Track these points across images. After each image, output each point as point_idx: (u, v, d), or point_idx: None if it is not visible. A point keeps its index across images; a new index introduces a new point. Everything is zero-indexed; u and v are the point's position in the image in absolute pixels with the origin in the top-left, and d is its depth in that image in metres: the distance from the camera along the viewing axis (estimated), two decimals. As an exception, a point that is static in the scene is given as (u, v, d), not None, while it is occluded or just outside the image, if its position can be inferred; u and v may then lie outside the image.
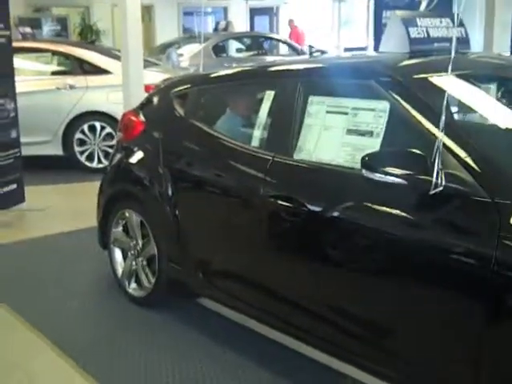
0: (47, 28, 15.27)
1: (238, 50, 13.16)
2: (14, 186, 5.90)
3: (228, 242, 3.40)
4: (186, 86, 3.97)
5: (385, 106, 2.75)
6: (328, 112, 2.99)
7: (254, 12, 20.30)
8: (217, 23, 16.12)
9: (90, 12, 16.33)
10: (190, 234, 3.60)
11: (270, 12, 20.71)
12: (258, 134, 3.35)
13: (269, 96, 3.30)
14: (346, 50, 14.54)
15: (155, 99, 4.15)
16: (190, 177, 3.65)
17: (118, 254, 4.13)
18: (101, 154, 7.73)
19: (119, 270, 4.11)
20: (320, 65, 3.52)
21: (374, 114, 2.76)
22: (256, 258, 3.20)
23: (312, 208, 2.85)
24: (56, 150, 7.71)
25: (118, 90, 6.81)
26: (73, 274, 4.51)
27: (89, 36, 14.81)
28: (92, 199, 4.33)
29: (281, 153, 3.09)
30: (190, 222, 3.60)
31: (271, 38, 14.12)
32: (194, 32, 13.58)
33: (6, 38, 5.80)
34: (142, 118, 4.09)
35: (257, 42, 13.46)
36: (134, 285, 4.01)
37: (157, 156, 3.80)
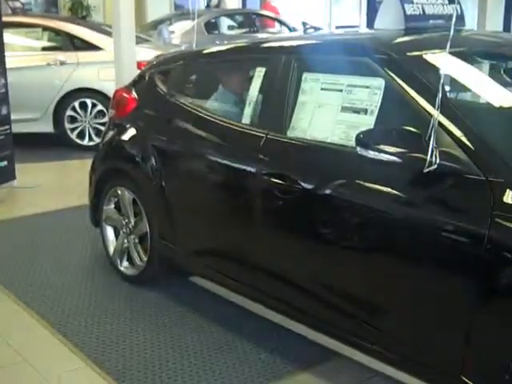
0: (36, 2, 15.04)
1: (230, 28, 13.03)
2: (5, 163, 5.86)
3: (220, 220, 3.39)
4: (179, 63, 3.93)
5: (379, 83, 2.73)
6: (322, 89, 2.97)
7: (247, -11, 20.08)
8: (209, 0, 15.94)
9: (80, -13, 16.09)
10: (182, 212, 3.59)
11: (262, -11, 20.50)
12: (251, 111, 3.32)
13: (262, 73, 3.27)
14: (338, 28, 14.43)
15: (147, 76, 4.11)
16: (182, 155, 3.63)
17: (109, 232, 4.12)
18: (92, 132, 7.67)
19: (111, 248, 4.10)
20: (314, 41, 3.50)
21: (369, 92, 2.75)
22: (248, 236, 3.19)
23: (305, 186, 2.84)
24: (47, 127, 7.64)
25: (109, 66, 6.73)
26: (64, 252, 4.49)
27: (79, 11, 14.59)
28: (83, 177, 4.31)
29: (274, 130, 3.08)
30: (183, 200, 3.59)
31: (263, 16, 13.97)
32: (185, 9, 13.42)
33: (-5, 13, 5.73)
34: (134, 94, 4.05)
35: (249, 20, 13.31)
36: (125, 263, 4.01)
37: (149, 133, 3.78)
